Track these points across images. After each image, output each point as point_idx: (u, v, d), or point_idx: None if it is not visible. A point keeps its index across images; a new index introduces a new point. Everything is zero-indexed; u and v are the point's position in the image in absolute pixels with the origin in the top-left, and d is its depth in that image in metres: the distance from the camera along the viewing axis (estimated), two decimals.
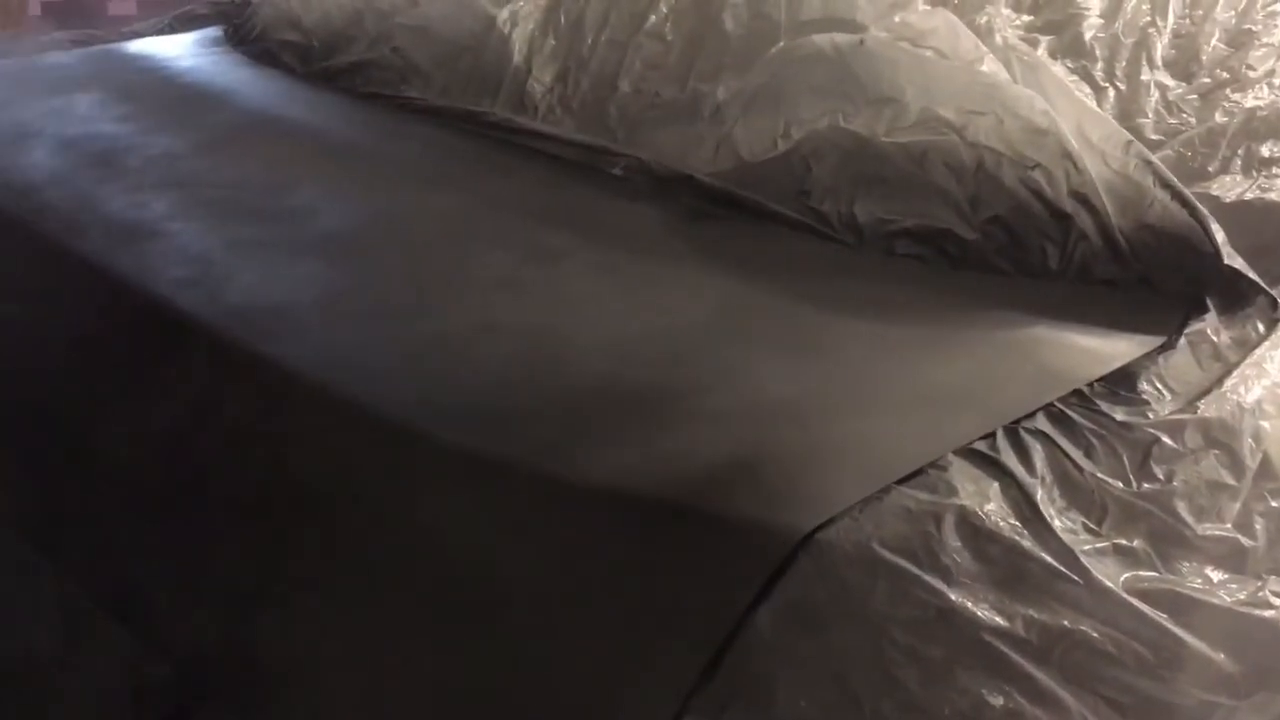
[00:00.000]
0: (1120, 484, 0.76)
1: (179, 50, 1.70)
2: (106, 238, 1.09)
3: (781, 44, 1.21)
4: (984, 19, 1.20)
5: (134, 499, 0.95)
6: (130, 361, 0.99)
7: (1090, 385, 0.83)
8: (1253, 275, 0.93)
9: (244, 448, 0.90)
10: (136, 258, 1.05)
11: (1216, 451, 0.79)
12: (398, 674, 0.77)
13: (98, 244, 1.08)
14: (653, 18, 1.36)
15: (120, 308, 1.02)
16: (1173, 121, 1.12)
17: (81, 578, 1.01)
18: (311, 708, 0.80)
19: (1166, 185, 0.99)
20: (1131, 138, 1.03)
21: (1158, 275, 0.97)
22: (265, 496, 0.87)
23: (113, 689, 0.98)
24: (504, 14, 1.44)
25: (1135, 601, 0.69)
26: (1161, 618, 0.69)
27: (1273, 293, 0.92)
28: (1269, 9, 1.20)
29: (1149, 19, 1.20)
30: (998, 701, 0.65)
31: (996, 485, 0.74)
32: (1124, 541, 0.73)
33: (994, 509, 0.72)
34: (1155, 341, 0.88)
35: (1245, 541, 0.76)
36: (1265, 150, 1.07)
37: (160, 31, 1.83)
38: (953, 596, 0.68)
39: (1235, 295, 0.92)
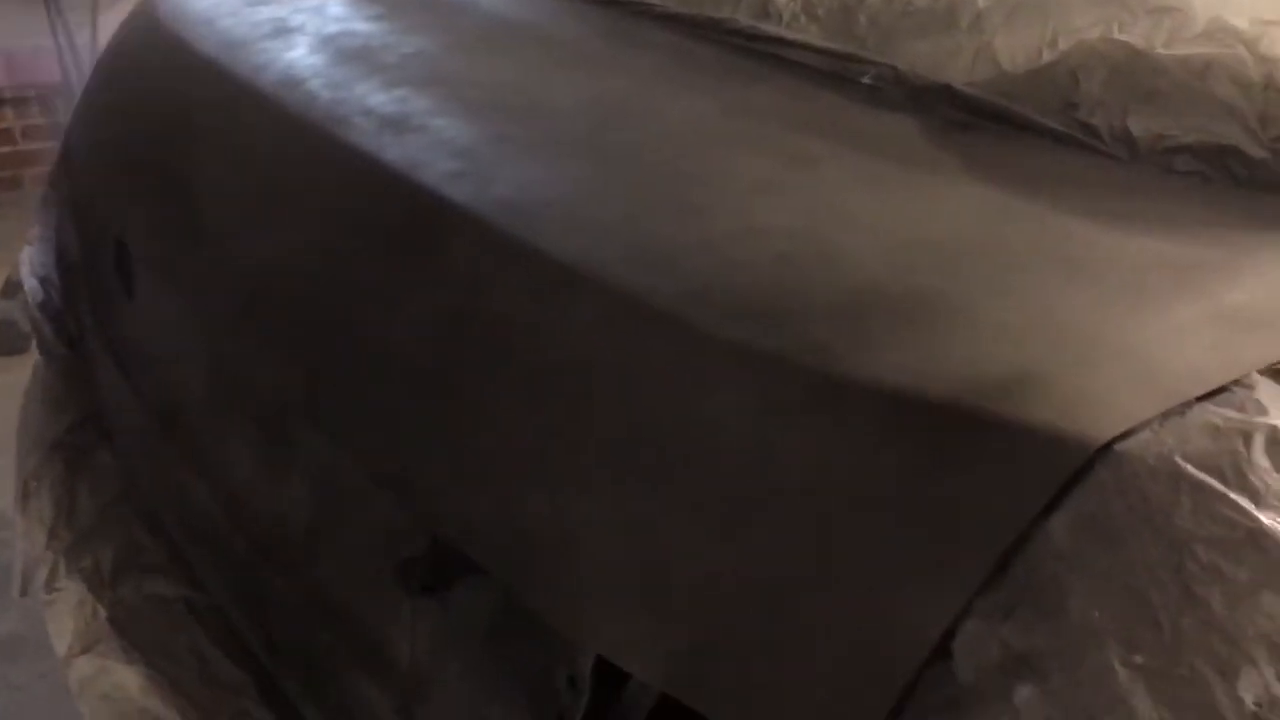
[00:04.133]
0: None
1: None
2: (372, 129, 1.13)
3: None
4: None
5: (401, 379, 1.00)
6: (399, 249, 1.03)
7: None
8: None
9: (513, 333, 0.92)
10: (403, 149, 1.08)
11: None
12: (667, 556, 0.79)
13: (364, 135, 1.12)
14: None
15: (389, 196, 1.06)
16: None
17: (346, 451, 1.06)
18: (576, 583, 0.83)
19: None
20: None
21: None
22: (534, 381, 0.89)
23: (374, 557, 1.04)
24: None
25: None
26: None
27: None
28: None
29: None
30: None
31: None
32: None
33: None
34: None
35: None
36: None
37: None
38: (1263, 519, 0.65)
39: None
